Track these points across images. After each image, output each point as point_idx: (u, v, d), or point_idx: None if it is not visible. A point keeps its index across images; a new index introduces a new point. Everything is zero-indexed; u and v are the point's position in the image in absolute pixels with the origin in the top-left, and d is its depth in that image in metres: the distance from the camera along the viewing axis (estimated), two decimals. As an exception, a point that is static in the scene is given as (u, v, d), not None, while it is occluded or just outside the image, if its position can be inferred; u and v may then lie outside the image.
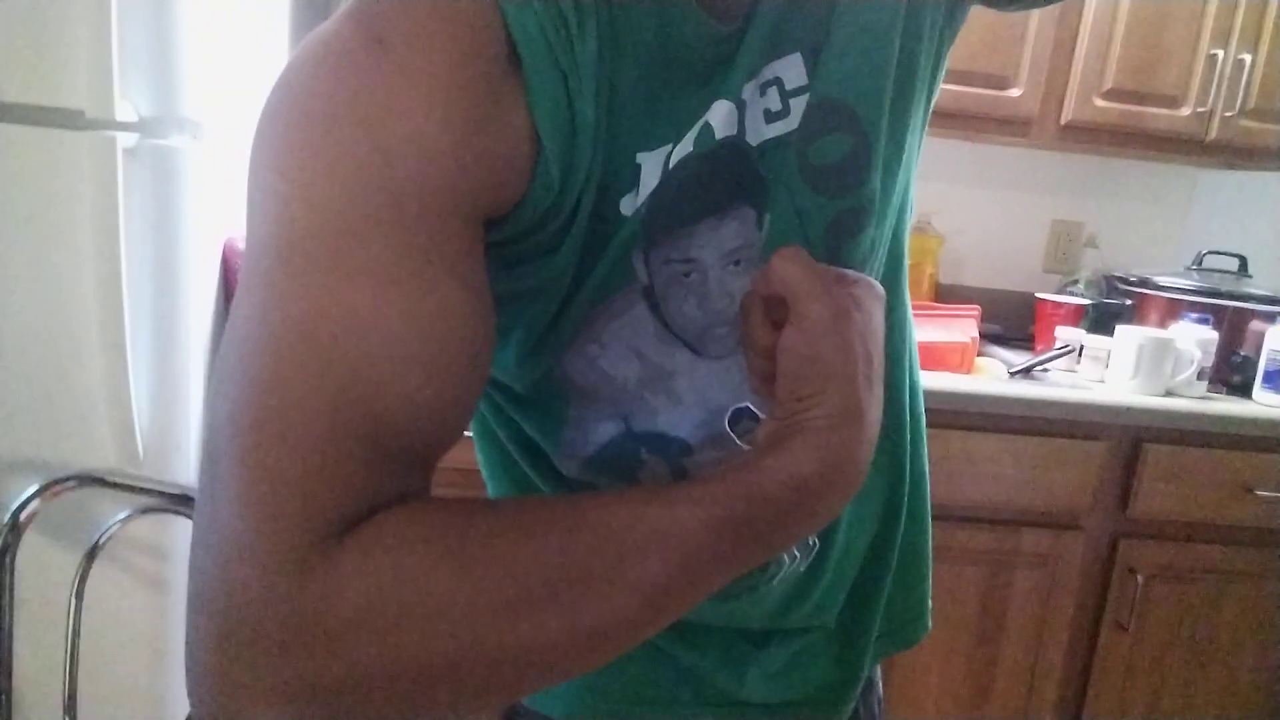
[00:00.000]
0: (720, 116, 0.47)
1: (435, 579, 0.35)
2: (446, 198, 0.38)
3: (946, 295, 2.16)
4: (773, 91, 0.48)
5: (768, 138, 0.49)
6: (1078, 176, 2.24)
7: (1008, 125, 1.87)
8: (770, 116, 0.49)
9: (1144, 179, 2.25)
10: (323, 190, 0.36)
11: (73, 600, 0.99)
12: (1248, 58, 1.84)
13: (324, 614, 0.33)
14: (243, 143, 1.60)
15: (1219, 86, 1.86)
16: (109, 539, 1.02)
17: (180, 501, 1.03)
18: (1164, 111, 1.87)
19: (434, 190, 0.38)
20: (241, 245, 1.51)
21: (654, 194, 0.46)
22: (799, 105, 0.49)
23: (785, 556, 0.57)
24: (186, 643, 0.35)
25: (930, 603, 0.71)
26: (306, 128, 0.37)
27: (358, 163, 0.36)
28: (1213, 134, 1.88)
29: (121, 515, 1.03)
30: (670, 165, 0.46)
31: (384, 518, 0.36)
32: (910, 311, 0.65)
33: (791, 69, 0.48)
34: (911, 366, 0.65)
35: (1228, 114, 1.86)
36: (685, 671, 0.62)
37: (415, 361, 0.37)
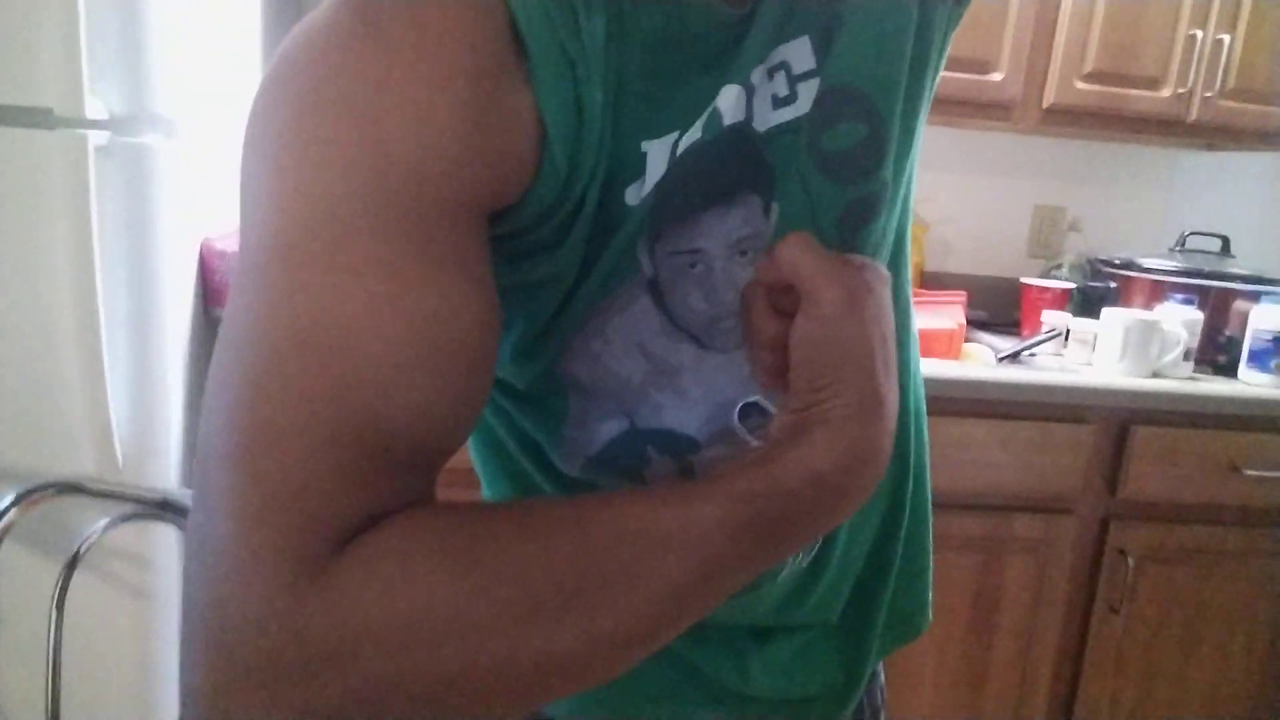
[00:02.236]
0: (729, 102, 0.45)
1: (440, 590, 0.33)
2: (448, 190, 0.37)
3: (932, 282, 2.16)
4: (780, 76, 0.47)
5: (775, 124, 0.47)
6: (1060, 161, 2.24)
7: (990, 110, 1.87)
8: (777, 102, 0.47)
9: (1125, 162, 2.26)
10: (318, 184, 0.35)
11: (54, 611, 0.96)
12: (1226, 38, 1.85)
13: (323, 632, 0.32)
14: (218, 140, 1.58)
15: (1198, 67, 1.86)
16: (89, 548, 0.99)
17: (162, 507, 1.00)
18: (1144, 93, 1.87)
19: (434, 182, 0.36)
20: (219, 245, 1.49)
21: (660, 183, 0.45)
22: (807, 90, 0.47)
23: None
24: (180, 661, 0.33)
25: (931, 594, 0.70)
26: (301, 119, 0.36)
27: (354, 155, 0.35)
28: (1193, 115, 1.88)
29: (102, 523, 1.00)
30: (678, 153, 0.45)
31: (385, 527, 0.34)
32: (911, 301, 0.63)
33: (799, 53, 0.47)
34: (914, 356, 0.64)
35: (1207, 95, 1.87)
36: (688, 667, 0.60)
37: (417, 362, 0.35)
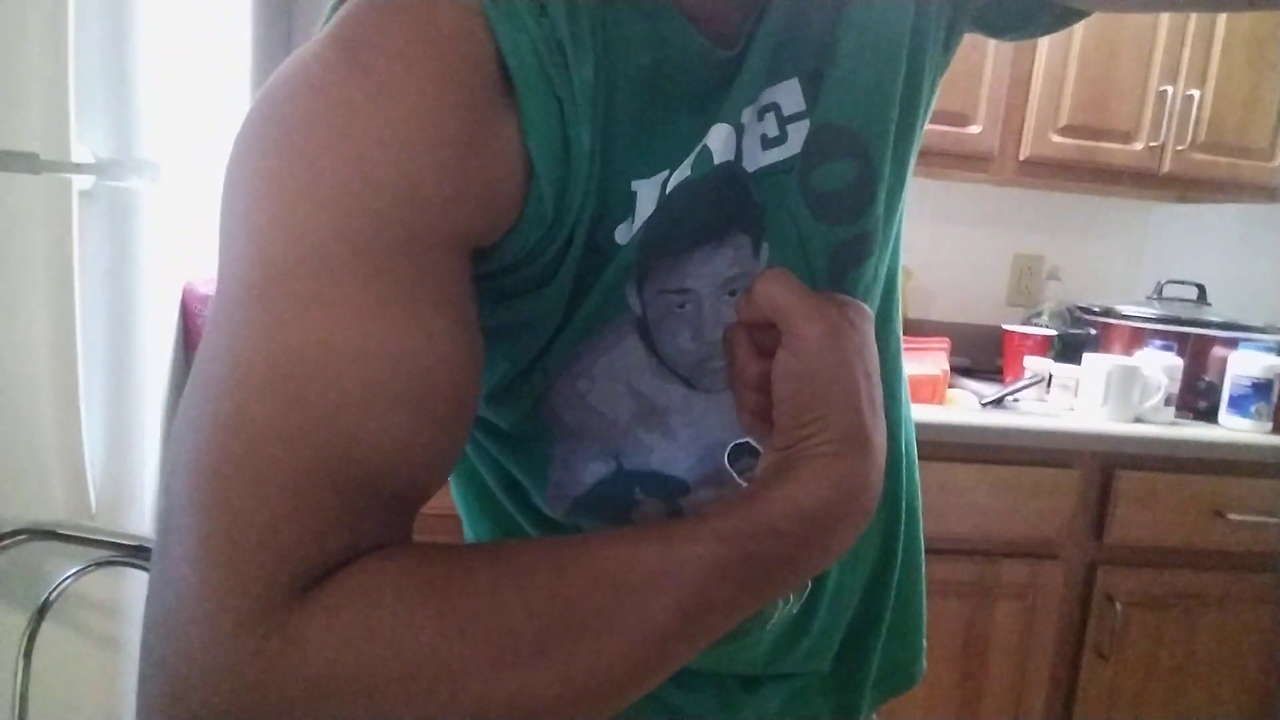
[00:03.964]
0: (719, 140, 0.45)
1: (409, 634, 0.32)
2: (431, 226, 0.36)
3: (915, 330, 2.17)
4: (770, 117, 0.47)
5: (764, 164, 0.47)
6: (1038, 211, 2.28)
7: (969, 161, 1.90)
8: (767, 143, 0.47)
9: (1102, 212, 2.30)
10: (299, 219, 0.34)
11: (20, 660, 0.93)
12: (1196, 93, 1.90)
13: (285, 678, 0.30)
14: (202, 185, 1.57)
15: (1170, 122, 1.91)
16: (59, 595, 0.97)
17: (135, 553, 0.98)
18: (1118, 146, 1.92)
19: (418, 219, 0.36)
20: (201, 289, 1.48)
21: (649, 221, 0.45)
22: (797, 131, 0.47)
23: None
24: (136, 709, 0.32)
25: (925, 642, 0.69)
26: (284, 154, 0.35)
27: (337, 190, 0.34)
28: (1166, 167, 1.92)
29: (73, 570, 0.98)
30: (667, 191, 0.45)
31: (355, 569, 0.33)
32: (902, 344, 0.63)
33: (789, 94, 0.47)
34: (905, 400, 0.64)
35: (1179, 148, 1.92)
36: (675, 713, 0.59)
37: (396, 400, 0.34)
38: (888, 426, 0.50)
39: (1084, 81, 1.89)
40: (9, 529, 0.94)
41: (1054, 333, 2.04)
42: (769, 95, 0.47)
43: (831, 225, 0.48)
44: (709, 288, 0.47)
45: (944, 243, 2.27)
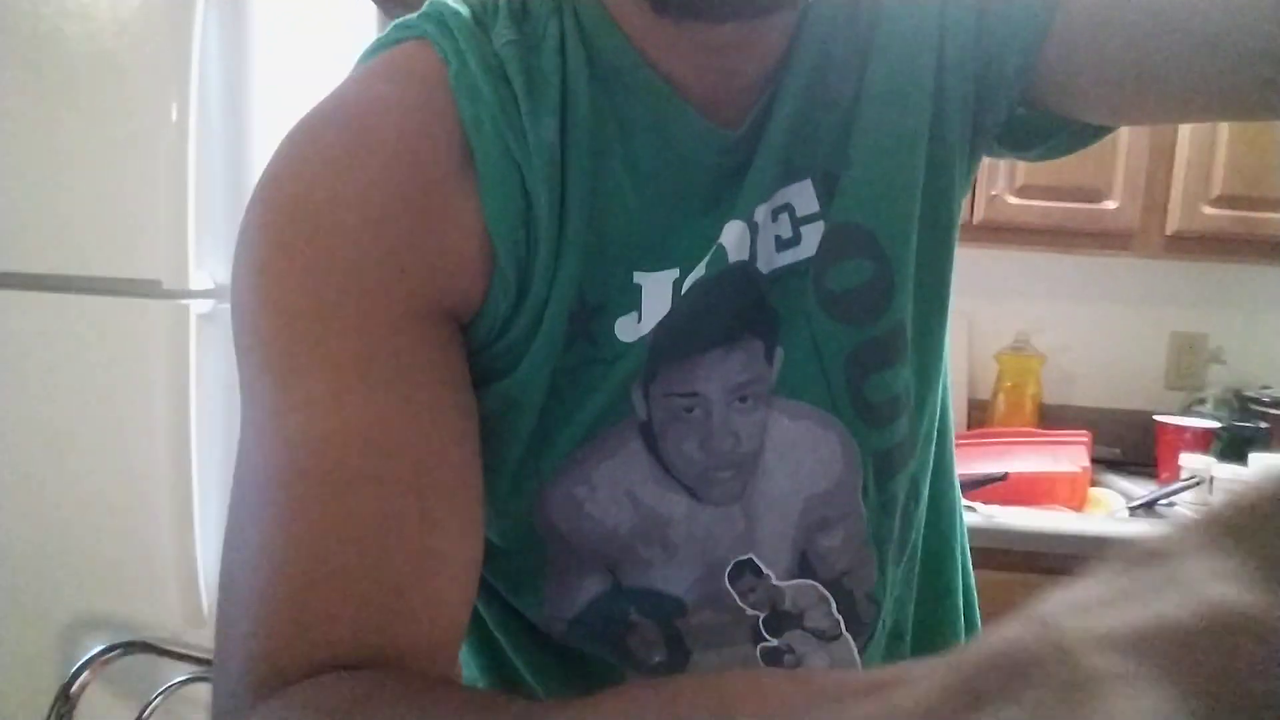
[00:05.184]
0: (733, 238, 0.44)
1: None
2: (390, 300, 0.38)
3: (1053, 417, 2.01)
4: (784, 218, 0.46)
5: (779, 266, 0.46)
6: (1197, 284, 2.07)
7: (1106, 239, 1.76)
8: (781, 244, 0.46)
9: (1270, 285, 2.07)
10: (276, 304, 0.38)
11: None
12: (1376, 154, 1.69)
13: None
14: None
15: (1346, 186, 1.70)
16: (157, 707, 1.01)
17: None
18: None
19: (374, 294, 0.37)
20: None
21: (663, 322, 0.43)
22: (811, 233, 0.46)
23: None
24: None
25: None
26: (261, 245, 0.39)
27: (300, 273, 0.37)
28: (1344, 237, 1.71)
29: (172, 681, 1.02)
30: (682, 291, 0.44)
31: (310, 681, 0.33)
32: (959, 491, 0.57)
33: (802, 196, 0.46)
34: (965, 566, 0.57)
35: (1360, 215, 1.70)
36: None
37: (357, 479, 0.35)
38: (940, 577, 0.51)
39: (1238, 148, 1.72)
40: (110, 645, 0.99)
41: (1217, 425, 1.82)
42: (782, 196, 0.46)
43: (847, 326, 0.46)
44: (719, 393, 0.45)
45: (1084, 322, 2.09)
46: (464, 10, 0.43)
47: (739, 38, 0.42)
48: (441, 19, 0.43)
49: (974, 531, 1.57)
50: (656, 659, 0.48)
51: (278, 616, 0.34)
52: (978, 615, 0.59)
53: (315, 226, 0.38)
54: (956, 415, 2.05)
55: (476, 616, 0.54)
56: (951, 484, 0.56)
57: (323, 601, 0.34)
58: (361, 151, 0.39)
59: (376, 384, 0.37)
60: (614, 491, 0.46)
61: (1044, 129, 0.48)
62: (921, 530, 0.53)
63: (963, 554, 0.57)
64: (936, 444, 0.53)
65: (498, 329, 0.42)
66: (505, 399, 0.43)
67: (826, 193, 0.46)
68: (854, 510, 0.48)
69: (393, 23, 0.45)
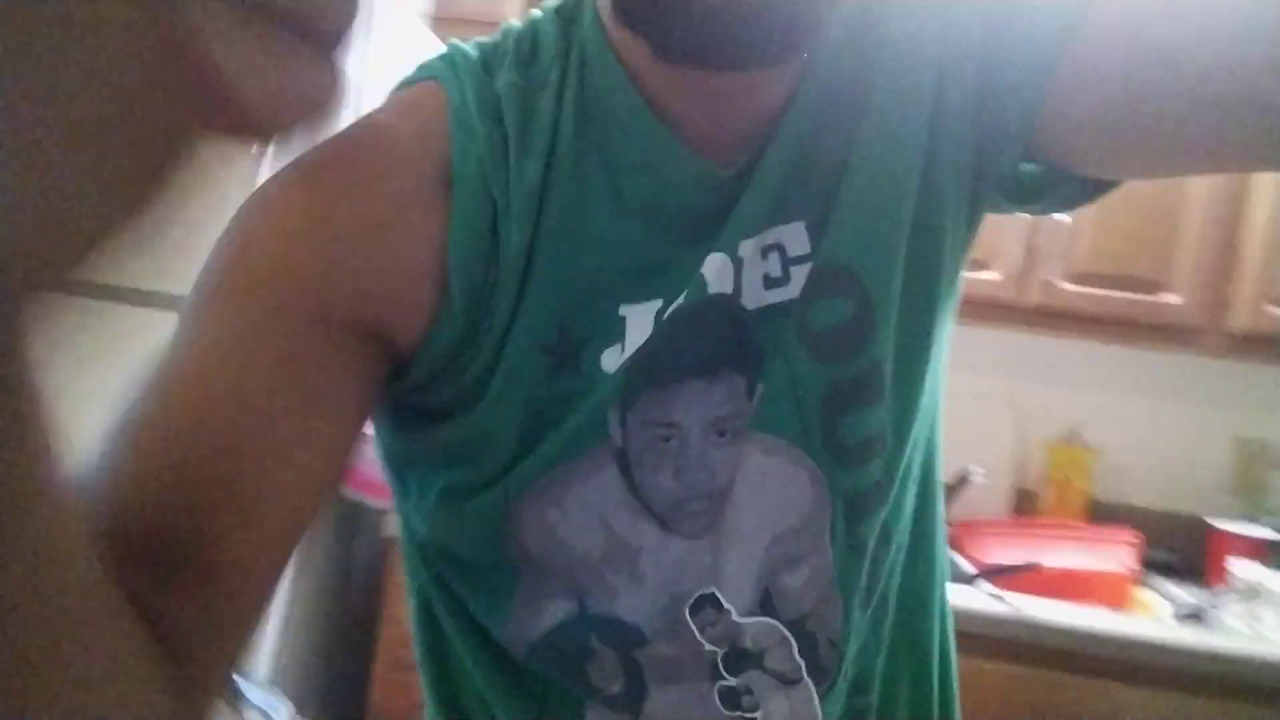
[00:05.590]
0: (713, 270, 0.45)
1: None
2: (302, 296, 0.39)
3: (1104, 515, 1.93)
4: (774, 256, 0.47)
5: (765, 304, 0.47)
6: (1263, 386, 1.99)
7: (1164, 333, 1.71)
8: (769, 282, 0.47)
9: (1345, 395, 1.97)
10: (209, 271, 0.40)
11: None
12: None
13: None
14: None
15: None
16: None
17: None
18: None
19: (286, 288, 0.39)
20: (365, 468, 1.57)
21: (640, 348, 0.45)
22: (800, 274, 0.47)
23: None
24: None
25: None
26: (228, 248, 0.41)
27: (234, 250, 0.40)
28: None
29: None
30: (662, 319, 0.45)
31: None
32: (944, 554, 0.56)
33: (794, 237, 0.47)
34: (944, 624, 0.55)
35: None
36: None
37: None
38: (917, 644, 0.52)
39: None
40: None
41: (1275, 537, 1.73)
42: (774, 235, 0.47)
43: (824, 364, 0.47)
44: (698, 425, 0.46)
45: (1142, 418, 2.02)
46: (474, 53, 0.47)
47: (740, 85, 0.43)
48: (453, 60, 0.46)
49: (999, 621, 1.51)
50: (614, 688, 0.48)
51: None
52: (954, 674, 0.57)
53: (267, 223, 0.41)
54: (998, 502, 2.00)
55: (437, 628, 0.54)
56: (934, 534, 0.54)
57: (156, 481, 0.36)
58: (336, 167, 0.42)
59: (249, 346, 0.38)
60: (586, 516, 0.46)
61: (1041, 182, 0.48)
62: (897, 579, 0.52)
63: (942, 609, 0.56)
64: (919, 492, 0.53)
65: (444, 359, 0.43)
66: (476, 427, 0.45)
67: (817, 235, 0.47)
68: (820, 549, 0.48)
69: (417, 65, 0.48)
